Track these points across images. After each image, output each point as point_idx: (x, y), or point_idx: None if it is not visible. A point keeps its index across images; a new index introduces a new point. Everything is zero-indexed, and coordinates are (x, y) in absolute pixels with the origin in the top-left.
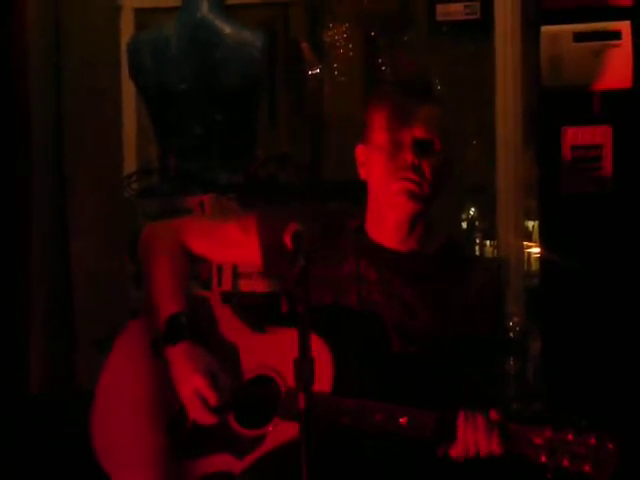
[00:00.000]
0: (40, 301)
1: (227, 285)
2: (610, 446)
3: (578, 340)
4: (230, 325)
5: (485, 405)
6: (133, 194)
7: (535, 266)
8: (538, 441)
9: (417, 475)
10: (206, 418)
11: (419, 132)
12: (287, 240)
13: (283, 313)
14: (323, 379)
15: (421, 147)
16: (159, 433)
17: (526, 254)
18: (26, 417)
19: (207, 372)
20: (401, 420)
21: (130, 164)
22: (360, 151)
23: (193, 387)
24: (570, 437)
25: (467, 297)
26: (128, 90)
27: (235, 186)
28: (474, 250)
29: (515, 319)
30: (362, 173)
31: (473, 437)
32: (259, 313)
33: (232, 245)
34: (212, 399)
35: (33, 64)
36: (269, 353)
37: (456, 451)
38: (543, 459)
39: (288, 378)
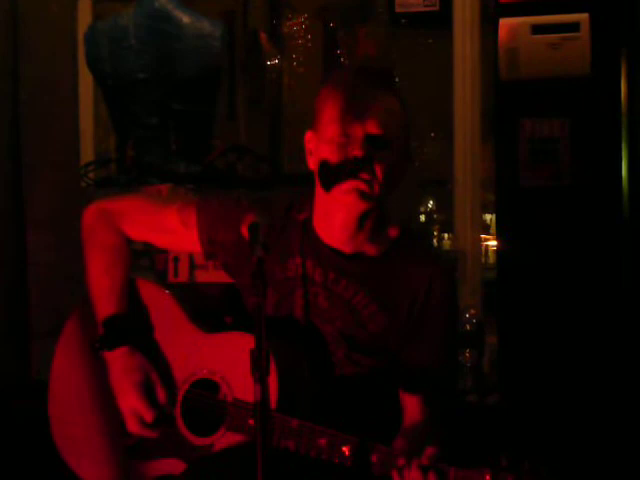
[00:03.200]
0: None
1: (184, 276)
2: None
3: (534, 333)
4: (176, 323)
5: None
6: (90, 184)
7: (492, 259)
8: None
9: None
10: (144, 433)
11: (372, 127)
12: (244, 231)
13: (232, 314)
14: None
15: (373, 143)
16: (113, 428)
17: (483, 247)
18: None
19: (143, 387)
20: (344, 448)
21: (87, 154)
22: (309, 138)
23: (128, 404)
24: None
25: (418, 297)
26: (85, 80)
27: (192, 176)
28: (430, 241)
29: (472, 311)
30: (310, 163)
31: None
32: (209, 311)
33: (171, 232)
34: (148, 416)
35: None
36: (215, 357)
37: None
38: None
39: (233, 385)
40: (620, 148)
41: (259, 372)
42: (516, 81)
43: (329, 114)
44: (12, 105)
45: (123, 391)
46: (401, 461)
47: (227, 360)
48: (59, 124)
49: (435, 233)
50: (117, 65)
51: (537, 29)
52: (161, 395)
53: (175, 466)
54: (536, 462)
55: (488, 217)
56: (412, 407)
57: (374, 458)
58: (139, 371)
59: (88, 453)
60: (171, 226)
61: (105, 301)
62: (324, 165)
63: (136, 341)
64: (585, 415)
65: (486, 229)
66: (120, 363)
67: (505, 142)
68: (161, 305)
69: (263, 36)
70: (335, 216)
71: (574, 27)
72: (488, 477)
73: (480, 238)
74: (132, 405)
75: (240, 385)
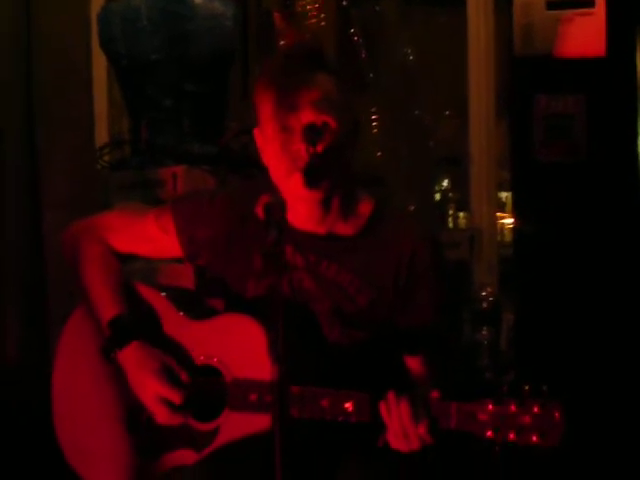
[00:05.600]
0: (13, 275)
1: None
2: (555, 413)
3: (551, 310)
4: (168, 316)
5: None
6: (105, 166)
7: (508, 237)
8: (482, 417)
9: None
10: (173, 419)
11: (308, 116)
12: (259, 211)
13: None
14: (266, 368)
15: (313, 132)
16: (120, 427)
17: (499, 225)
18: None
19: (162, 372)
20: (346, 405)
21: (102, 136)
22: (256, 134)
23: (153, 392)
24: (513, 408)
25: (402, 267)
26: (99, 61)
27: (207, 157)
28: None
29: (488, 289)
30: (263, 159)
31: (398, 419)
32: (194, 300)
33: (152, 240)
34: (176, 398)
35: (2, 35)
36: (209, 342)
37: (392, 439)
38: (489, 434)
39: (231, 367)
40: (636, 124)
41: (276, 353)
42: (531, 57)
43: (265, 111)
44: (26, 87)
45: (143, 382)
46: (404, 400)
47: (221, 343)
48: (74, 106)
49: (451, 212)
50: (130, 46)
51: (552, 5)
52: (183, 376)
53: (186, 456)
54: (537, 383)
55: (504, 195)
56: (415, 369)
57: (382, 406)
58: (154, 360)
59: (99, 460)
60: (151, 234)
61: (105, 306)
62: (272, 163)
63: (143, 335)
64: (603, 390)
65: (502, 207)
66: (133, 358)
67: (520, 119)
68: (158, 303)
69: (276, 15)
70: (298, 205)
71: (589, 2)
72: (490, 406)
73: (496, 216)
74: (156, 391)
75: (237, 365)
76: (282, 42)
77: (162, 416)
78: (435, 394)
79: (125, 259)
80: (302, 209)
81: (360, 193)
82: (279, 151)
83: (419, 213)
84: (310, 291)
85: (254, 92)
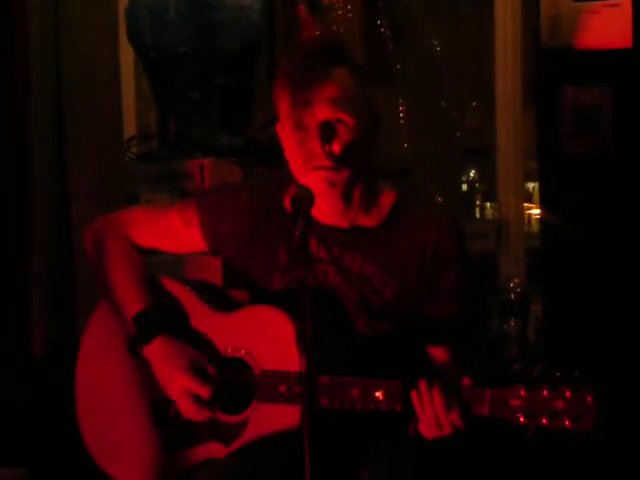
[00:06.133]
0: (42, 266)
1: None
2: (588, 398)
3: (579, 301)
4: (194, 310)
5: (457, 372)
6: (133, 158)
7: (536, 227)
8: (514, 402)
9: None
10: (201, 414)
11: (323, 113)
12: (286, 203)
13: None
14: (294, 359)
15: (328, 129)
16: (146, 421)
17: (526, 216)
18: (28, 381)
19: (190, 366)
20: (377, 393)
21: (129, 128)
22: (278, 129)
23: (180, 386)
24: (545, 393)
25: (427, 255)
26: (126, 54)
27: (235, 149)
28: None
29: (516, 280)
30: (285, 153)
31: (430, 407)
32: (219, 292)
33: (175, 235)
34: (204, 393)
35: (31, 29)
36: (236, 334)
37: (424, 429)
38: (522, 420)
39: (259, 359)
40: None
41: (304, 344)
42: (557, 49)
43: (283, 107)
44: (54, 79)
45: (170, 377)
46: (435, 388)
47: (248, 335)
48: (102, 99)
49: (478, 203)
50: (158, 39)
51: None
52: (211, 369)
53: (215, 450)
54: (568, 368)
55: (531, 185)
56: (440, 358)
57: (413, 395)
58: (181, 354)
59: (125, 454)
60: (174, 229)
61: (130, 302)
62: (290, 159)
63: (169, 330)
64: (633, 383)
65: (529, 197)
66: (160, 353)
67: (547, 110)
68: (184, 296)
69: (302, 7)
70: (320, 199)
71: None
72: (523, 392)
73: (523, 207)
74: (184, 386)
75: (264, 356)
76: (304, 35)
77: (190, 411)
78: (467, 381)
79: (149, 254)
80: (324, 203)
81: (382, 184)
82: (295, 148)
83: (446, 204)
84: (335, 284)
85: (273, 88)
